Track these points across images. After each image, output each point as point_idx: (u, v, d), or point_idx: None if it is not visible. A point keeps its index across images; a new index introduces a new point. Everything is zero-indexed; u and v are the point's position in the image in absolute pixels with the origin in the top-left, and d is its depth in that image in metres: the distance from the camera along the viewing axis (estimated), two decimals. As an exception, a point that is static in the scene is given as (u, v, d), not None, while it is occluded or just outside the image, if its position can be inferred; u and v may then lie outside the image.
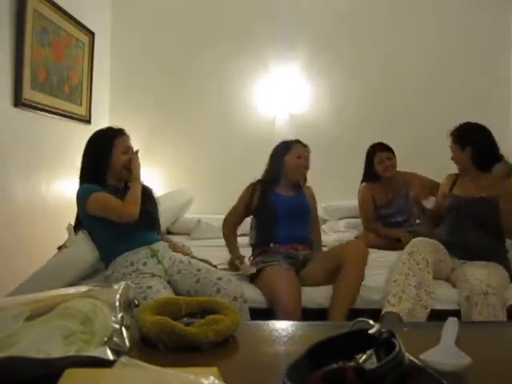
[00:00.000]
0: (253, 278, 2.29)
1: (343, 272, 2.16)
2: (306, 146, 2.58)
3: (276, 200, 2.50)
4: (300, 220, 2.52)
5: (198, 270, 2.04)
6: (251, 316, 1.98)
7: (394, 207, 3.13)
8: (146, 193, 2.24)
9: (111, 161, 2.13)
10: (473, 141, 2.42)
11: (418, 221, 3.06)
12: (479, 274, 2.12)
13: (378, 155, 3.12)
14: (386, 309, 2.04)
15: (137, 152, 2.20)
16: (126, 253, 2.05)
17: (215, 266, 2.28)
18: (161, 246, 2.16)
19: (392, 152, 3.14)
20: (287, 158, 2.53)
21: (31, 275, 2.07)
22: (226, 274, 2.05)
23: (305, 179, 2.66)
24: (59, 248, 2.26)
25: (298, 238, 2.45)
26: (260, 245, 2.47)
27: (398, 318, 1.99)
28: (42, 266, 2.13)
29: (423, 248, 2.21)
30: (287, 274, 2.21)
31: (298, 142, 2.59)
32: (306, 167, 2.59)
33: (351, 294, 2.16)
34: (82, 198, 2.06)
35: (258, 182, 2.61)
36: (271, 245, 2.41)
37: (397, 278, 2.12)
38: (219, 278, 1.98)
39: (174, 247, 2.38)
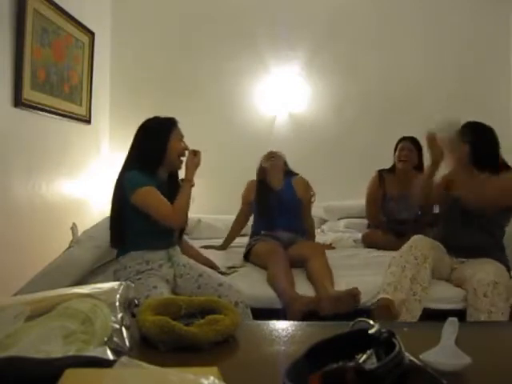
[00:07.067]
0: (246, 256, 2.63)
1: (309, 262, 2.38)
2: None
3: (266, 194, 2.79)
4: (287, 211, 2.75)
5: (200, 276, 2.02)
6: (253, 315, 1.97)
7: (403, 203, 3.01)
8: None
9: (168, 148, 2.05)
10: (476, 136, 2.34)
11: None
12: (483, 269, 2.13)
13: (401, 144, 3.10)
14: (381, 295, 2.08)
15: (196, 152, 2.12)
16: (145, 250, 1.99)
17: (217, 269, 2.29)
18: (176, 251, 2.13)
19: (416, 147, 3.07)
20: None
21: (35, 275, 2.07)
22: (227, 280, 2.04)
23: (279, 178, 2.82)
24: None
25: (285, 227, 2.69)
26: (254, 233, 2.80)
27: (392, 305, 2.00)
28: (45, 266, 2.12)
29: (422, 244, 2.24)
30: (272, 245, 2.53)
31: None
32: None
33: (325, 269, 2.32)
34: (130, 185, 1.95)
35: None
36: (262, 232, 2.74)
37: (393, 270, 2.16)
38: (220, 285, 1.97)
39: (196, 256, 2.31)
